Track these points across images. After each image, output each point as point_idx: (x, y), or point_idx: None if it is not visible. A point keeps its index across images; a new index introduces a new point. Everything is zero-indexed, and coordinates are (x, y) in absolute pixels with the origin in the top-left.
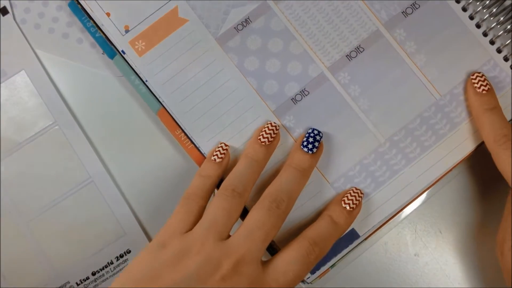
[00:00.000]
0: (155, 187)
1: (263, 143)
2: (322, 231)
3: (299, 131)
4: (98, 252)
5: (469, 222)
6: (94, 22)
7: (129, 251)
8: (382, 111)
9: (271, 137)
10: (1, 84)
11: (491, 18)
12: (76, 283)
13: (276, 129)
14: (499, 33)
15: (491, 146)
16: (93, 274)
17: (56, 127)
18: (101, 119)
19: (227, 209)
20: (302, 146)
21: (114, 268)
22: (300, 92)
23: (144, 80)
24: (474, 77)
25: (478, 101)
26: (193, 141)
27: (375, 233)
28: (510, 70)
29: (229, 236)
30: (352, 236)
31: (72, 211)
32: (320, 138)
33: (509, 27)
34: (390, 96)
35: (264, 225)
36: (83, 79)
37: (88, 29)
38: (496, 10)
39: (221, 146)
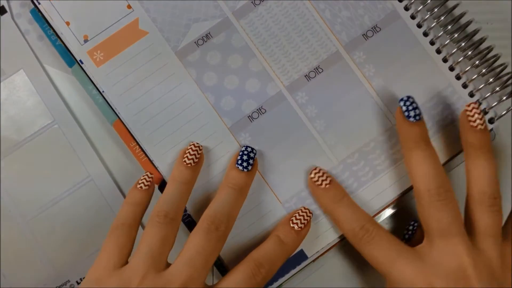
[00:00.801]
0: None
1: (189, 165)
2: (269, 251)
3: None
4: (98, 250)
5: None
6: (54, 31)
7: None
8: (338, 133)
9: (196, 157)
10: (0, 83)
11: (453, 44)
12: (76, 281)
13: (200, 150)
14: (459, 59)
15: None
16: None
17: (55, 126)
18: (100, 118)
19: (162, 236)
20: (236, 165)
21: None
22: (257, 110)
23: (101, 91)
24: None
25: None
26: (147, 154)
27: (325, 254)
28: (468, 96)
29: (167, 263)
30: (300, 257)
31: (71, 209)
32: (254, 155)
33: (470, 53)
34: (346, 119)
35: (203, 249)
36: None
37: (48, 37)
38: (457, 36)
39: (147, 174)
